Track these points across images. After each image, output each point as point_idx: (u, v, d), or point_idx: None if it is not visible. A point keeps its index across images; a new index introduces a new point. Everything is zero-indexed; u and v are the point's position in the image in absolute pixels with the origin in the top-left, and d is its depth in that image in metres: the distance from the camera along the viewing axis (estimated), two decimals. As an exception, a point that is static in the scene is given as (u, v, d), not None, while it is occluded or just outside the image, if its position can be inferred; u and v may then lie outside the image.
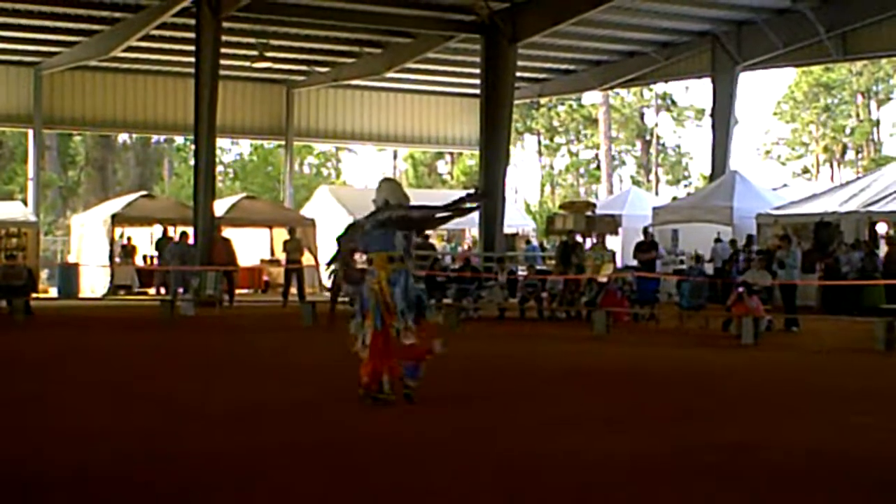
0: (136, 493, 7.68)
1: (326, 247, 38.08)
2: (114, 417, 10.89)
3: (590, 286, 26.91)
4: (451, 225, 42.98)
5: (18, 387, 13.39)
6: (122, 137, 67.56)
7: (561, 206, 37.07)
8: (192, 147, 36.76)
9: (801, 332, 22.79)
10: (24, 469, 8.36)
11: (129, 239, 38.49)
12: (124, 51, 36.99)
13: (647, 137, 74.92)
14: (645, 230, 31.45)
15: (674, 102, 74.00)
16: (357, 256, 11.87)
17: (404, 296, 11.26)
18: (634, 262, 29.92)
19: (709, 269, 30.16)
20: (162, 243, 35.36)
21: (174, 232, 34.42)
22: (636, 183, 70.35)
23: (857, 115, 70.87)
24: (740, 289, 21.97)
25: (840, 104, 71.60)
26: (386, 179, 12.27)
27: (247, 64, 39.82)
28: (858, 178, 37.79)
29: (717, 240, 33.08)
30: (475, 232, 39.86)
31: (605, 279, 26.72)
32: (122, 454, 8.93)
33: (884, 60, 60.91)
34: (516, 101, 40.93)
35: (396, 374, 11.41)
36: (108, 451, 9.07)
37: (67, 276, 36.48)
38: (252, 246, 39.40)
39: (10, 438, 9.66)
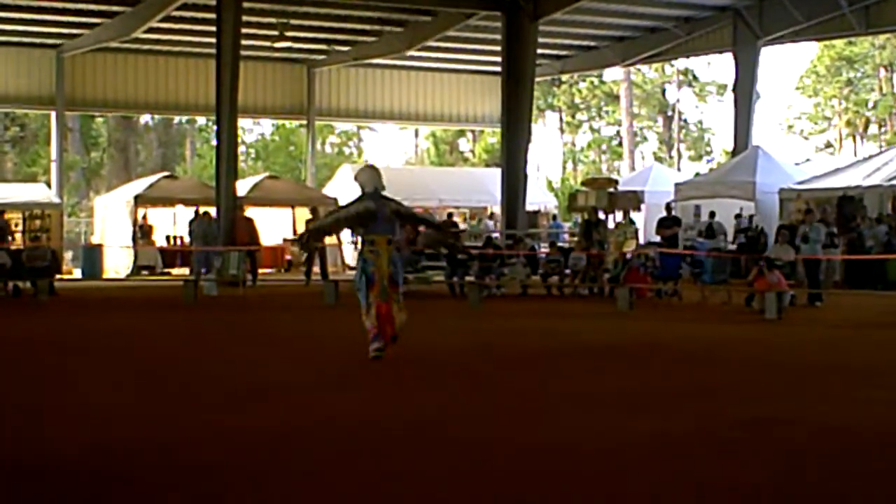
0: (153, 473, 7.72)
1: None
2: (136, 397, 10.94)
3: (616, 263, 26.90)
4: (472, 203, 43.07)
5: (42, 368, 13.46)
6: (145, 118, 67.72)
7: (583, 183, 36.92)
8: (214, 127, 36.79)
9: (824, 307, 22.75)
10: (44, 450, 8.40)
11: (145, 217, 38.44)
12: (145, 32, 37.07)
13: (669, 113, 74.65)
14: (668, 206, 31.41)
15: (695, 78, 73.68)
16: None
17: (397, 274, 13.32)
18: (657, 238, 29.88)
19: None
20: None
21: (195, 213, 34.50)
22: (658, 159, 70.09)
23: (880, 89, 70.43)
24: (761, 263, 21.90)
25: (863, 78, 71.18)
26: (371, 167, 14.26)
27: (267, 44, 39.85)
28: (881, 152, 37.61)
29: (738, 215, 33.02)
30: (496, 209, 39.81)
31: (627, 255, 26.70)
32: (142, 434, 8.98)
33: (906, 34, 60.48)
34: (537, 78, 40.81)
35: (389, 336, 13.15)
36: (129, 431, 9.12)
37: (91, 257, 36.57)
38: (275, 225, 39.46)
39: (31, 419, 9.71)
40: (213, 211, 32.16)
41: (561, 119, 76.54)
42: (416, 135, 76.03)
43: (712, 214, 31.27)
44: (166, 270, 36.83)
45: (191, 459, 8.10)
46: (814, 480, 7.54)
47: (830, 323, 19.72)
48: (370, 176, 13.45)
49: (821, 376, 12.77)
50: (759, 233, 27.59)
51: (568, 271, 27.51)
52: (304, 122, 48.35)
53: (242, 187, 36.35)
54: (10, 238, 31.79)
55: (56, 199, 38.55)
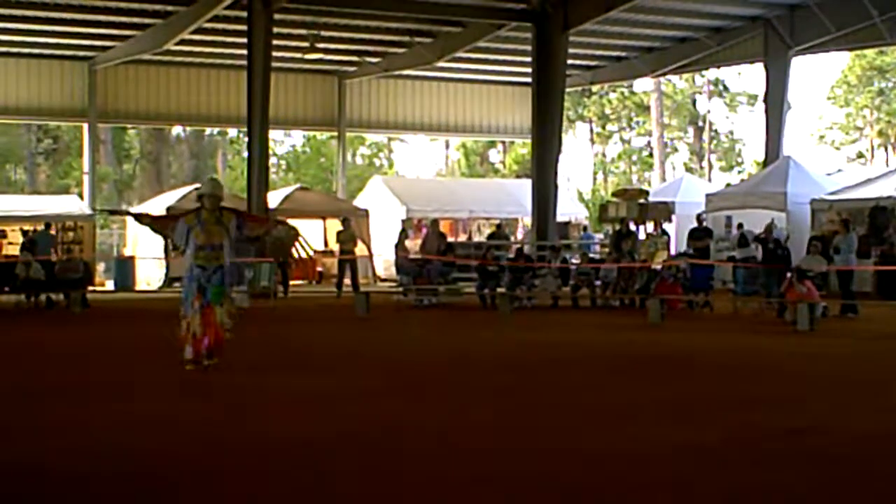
0: (188, 482, 7.76)
1: (380, 237, 38.24)
2: (168, 407, 10.99)
3: (641, 275, 26.86)
4: (503, 214, 43.01)
5: (76, 378, 13.54)
6: (176, 130, 67.90)
7: (614, 194, 36.82)
8: (246, 139, 36.93)
9: (857, 319, 22.64)
10: (78, 460, 8.46)
11: (174, 230, 38.46)
12: (177, 44, 37.21)
13: (700, 124, 74.44)
14: (699, 217, 31.32)
15: (726, 88, 73.45)
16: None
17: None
18: (689, 250, 29.79)
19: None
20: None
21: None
22: (689, 170, 69.92)
23: (912, 99, 70.19)
24: (788, 274, 21.83)
25: (894, 88, 70.84)
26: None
27: (298, 55, 39.96)
28: (914, 162, 37.42)
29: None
30: (528, 220, 39.78)
31: (658, 266, 26.64)
32: (174, 444, 9.03)
33: (938, 43, 60.10)
34: (568, 89, 40.78)
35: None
36: (158, 441, 9.18)
37: (123, 268, 36.78)
38: (305, 237, 39.54)
39: (64, 429, 9.77)
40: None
41: (591, 130, 76.47)
42: (447, 146, 76.05)
43: (740, 226, 31.16)
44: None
45: (223, 467, 8.15)
46: (848, 490, 7.53)
47: (863, 334, 19.64)
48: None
49: (853, 387, 12.73)
50: (778, 243, 27.35)
51: (599, 283, 27.49)
52: (335, 133, 48.45)
53: (274, 199, 36.45)
54: (51, 251, 31.76)
55: (88, 211, 38.74)
